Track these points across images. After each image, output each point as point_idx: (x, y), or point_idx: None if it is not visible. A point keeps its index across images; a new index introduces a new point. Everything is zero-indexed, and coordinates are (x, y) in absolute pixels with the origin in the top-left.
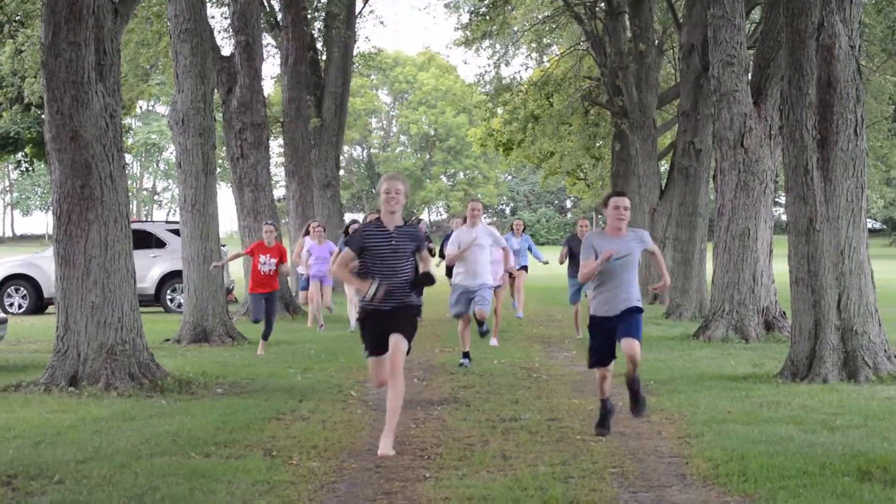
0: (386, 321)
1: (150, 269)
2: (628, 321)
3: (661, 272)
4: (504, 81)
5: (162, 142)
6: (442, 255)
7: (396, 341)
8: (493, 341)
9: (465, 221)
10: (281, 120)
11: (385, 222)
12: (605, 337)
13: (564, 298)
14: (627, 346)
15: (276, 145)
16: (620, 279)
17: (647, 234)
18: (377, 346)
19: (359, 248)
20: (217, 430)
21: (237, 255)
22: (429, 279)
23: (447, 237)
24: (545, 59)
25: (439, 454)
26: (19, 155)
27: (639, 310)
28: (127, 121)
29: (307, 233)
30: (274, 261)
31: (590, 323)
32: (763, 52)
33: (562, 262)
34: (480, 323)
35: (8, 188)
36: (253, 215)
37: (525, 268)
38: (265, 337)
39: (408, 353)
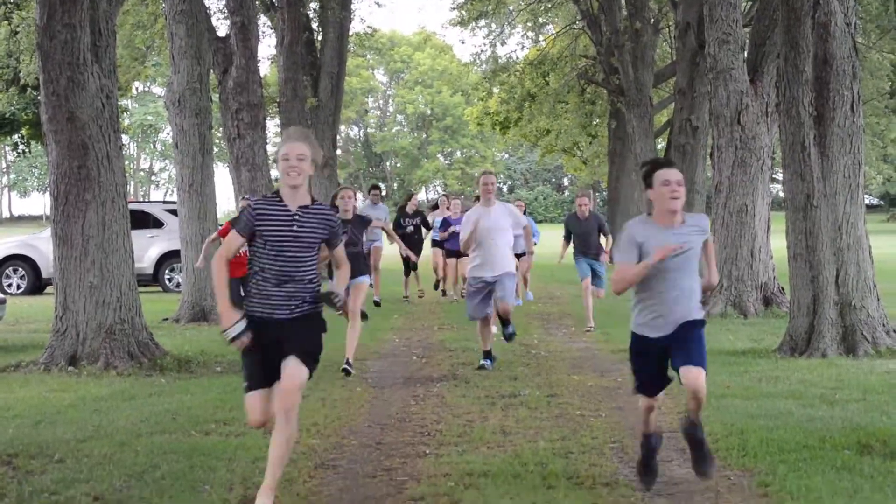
0: (280, 336)
1: (147, 249)
2: (688, 340)
3: (708, 268)
4: (500, 61)
5: (158, 123)
6: (436, 239)
7: (293, 371)
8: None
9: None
10: (277, 100)
11: (286, 199)
12: (655, 360)
13: (564, 275)
14: (690, 378)
15: (272, 125)
16: (677, 286)
17: (706, 219)
18: (264, 375)
19: (249, 231)
20: (216, 408)
21: (213, 240)
22: (332, 301)
23: (443, 221)
24: (541, 38)
25: (439, 430)
26: (16, 136)
27: (701, 323)
28: (123, 102)
29: None
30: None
31: (631, 343)
32: (759, 30)
33: (563, 256)
34: (505, 322)
35: (5, 169)
36: (250, 195)
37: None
38: None
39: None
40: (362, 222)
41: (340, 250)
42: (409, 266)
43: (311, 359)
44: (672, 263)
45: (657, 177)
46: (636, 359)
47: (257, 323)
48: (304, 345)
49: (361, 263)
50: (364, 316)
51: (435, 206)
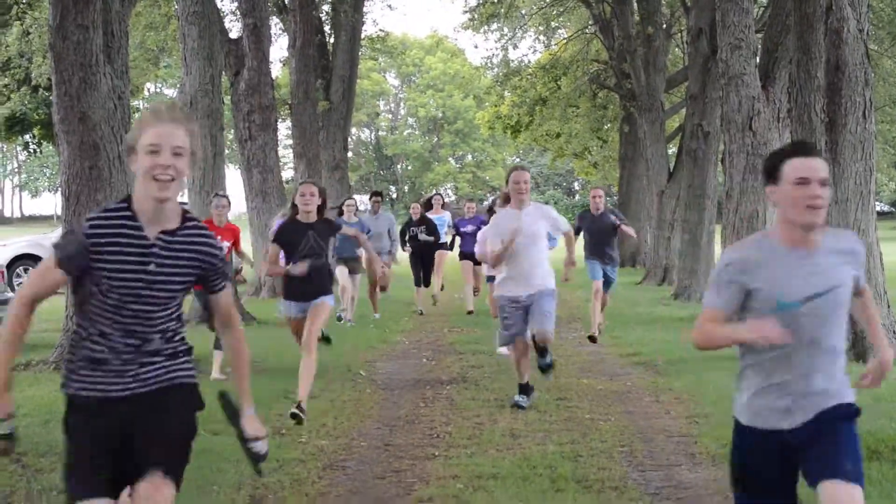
0: (127, 425)
1: None
2: (836, 449)
3: (869, 328)
4: (512, 65)
5: None
6: (452, 248)
7: (151, 492)
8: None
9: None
10: (289, 102)
11: (143, 217)
12: (775, 463)
13: (575, 277)
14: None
15: (283, 127)
16: (813, 348)
17: (855, 241)
18: (100, 481)
19: (78, 265)
20: None
21: None
22: (233, 410)
23: (460, 225)
24: (553, 42)
25: (448, 433)
26: (27, 136)
27: (851, 414)
28: (135, 103)
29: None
30: (226, 244)
31: (736, 432)
32: (771, 36)
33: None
34: (542, 352)
35: (16, 169)
36: (261, 197)
37: None
38: (220, 345)
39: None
40: (330, 228)
41: (225, 301)
42: (422, 279)
43: (178, 463)
44: (803, 313)
45: (789, 169)
46: (743, 459)
47: (85, 407)
48: (165, 444)
49: (325, 280)
50: (327, 340)
51: (428, 205)
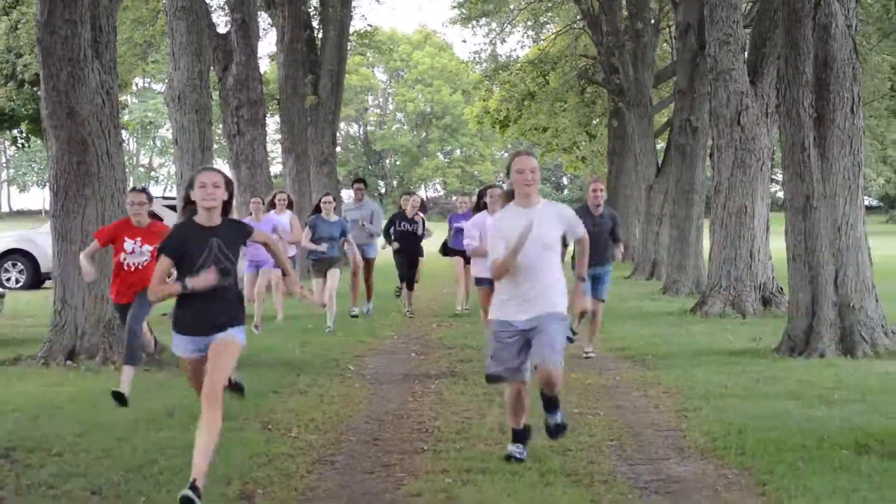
0: None
1: None
2: None
3: None
4: (500, 60)
5: (158, 119)
6: (445, 250)
7: None
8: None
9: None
10: (277, 97)
11: None
12: None
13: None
14: None
15: (272, 122)
16: None
17: None
18: None
19: None
20: None
21: (92, 252)
22: None
23: (454, 220)
24: (541, 37)
25: (437, 427)
26: (16, 131)
27: None
28: (123, 98)
29: (271, 206)
30: (149, 248)
31: None
32: (759, 31)
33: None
34: (550, 403)
35: (4, 164)
36: (249, 192)
37: None
38: (133, 360)
39: None
40: (239, 232)
41: None
42: (409, 278)
43: None
44: None
45: None
46: None
47: None
48: None
49: (233, 306)
50: (240, 389)
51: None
